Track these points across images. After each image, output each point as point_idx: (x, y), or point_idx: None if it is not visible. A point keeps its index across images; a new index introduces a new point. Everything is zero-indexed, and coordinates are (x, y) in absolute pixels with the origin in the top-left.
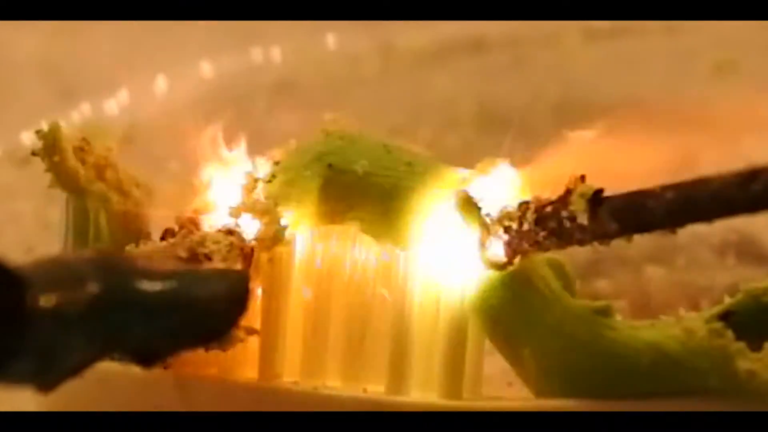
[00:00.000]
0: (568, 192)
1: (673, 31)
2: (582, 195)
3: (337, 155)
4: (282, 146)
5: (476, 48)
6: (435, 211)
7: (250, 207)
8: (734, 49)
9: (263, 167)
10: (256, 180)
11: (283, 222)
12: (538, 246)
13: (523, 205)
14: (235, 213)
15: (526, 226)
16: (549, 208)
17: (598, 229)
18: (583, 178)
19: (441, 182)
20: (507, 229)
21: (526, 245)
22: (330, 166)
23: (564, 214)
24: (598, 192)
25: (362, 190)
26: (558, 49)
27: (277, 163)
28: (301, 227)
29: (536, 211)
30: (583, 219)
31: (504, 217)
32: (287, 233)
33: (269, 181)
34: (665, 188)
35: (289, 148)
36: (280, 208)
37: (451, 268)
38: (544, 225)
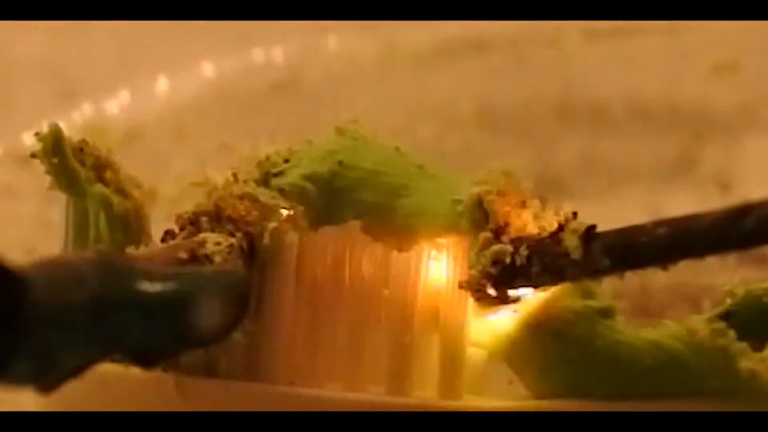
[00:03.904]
0: (561, 228)
1: (673, 31)
2: (574, 231)
3: (348, 153)
4: (290, 143)
5: (476, 48)
6: (439, 213)
7: (254, 196)
8: (734, 49)
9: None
10: (266, 173)
11: (284, 221)
12: (530, 282)
13: (516, 241)
14: (241, 191)
15: (518, 262)
16: (542, 244)
17: (590, 266)
18: (575, 214)
19: (451, 187)
20: (498, 265)
21: (518, 281)
22: (340, 163)
23: (557, 250)
24: (591, 228)
25: (370, 187)
26: (558, 49)
27: (286, 161)
28: (304, 227)
29: (529, 247)
30: (576, 255)
31: (496, 252)
32: (289, 234)
33: (277, 175)
34: (658, 224)
35: (300, 145)
36: (286, 202)
37: (452, 270)
38: (536, 261)
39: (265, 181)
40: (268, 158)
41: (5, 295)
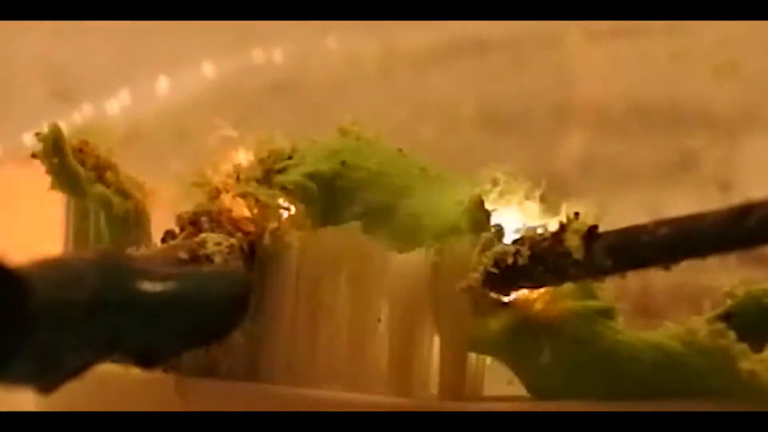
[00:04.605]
0: (563, 228)
1: (673, 31)
2: (576, 231)
3: (351, 153)
4: (291, 142)
5: (477, 48)
6: (441, 214)
7: (255, 192)
8: (734, 49)
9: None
10: (268, 170)
11: (284, 221)
12: (532, 282)
13: (518, 242)
14: (244, 189)
15: (520, 262)
16: (544, 245)
17: (592, 266)
18: (576, 214)
19: (453, 188)
20: (500, 265)
21: (520, 282)
22: (343, 163)
23: (558, 250)
24: (593, 228)
25: (373, 187)
26: (558, 50)
27: (290, 158)
28: (304, 227)
29: (531, 247)
30: (577, 255)
31: (498, 253)
32: (289, 234)
33: (281, 171)
34: (659, 224)
35: (304, 143)
36: (288, 198)
37: (453, 271)
38: (538, 261)
39: (267, 178)
40: (270, 156)
41: (5, 295)
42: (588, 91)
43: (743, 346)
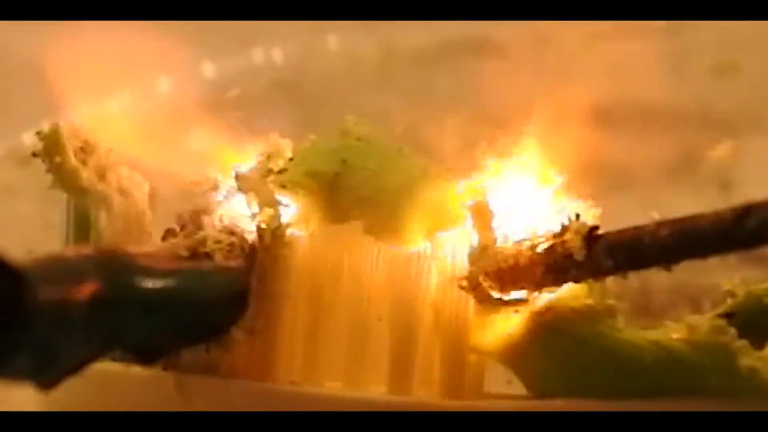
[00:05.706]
0: (564, 229)
1: (673, 31)
2: (577, 232)
3: (352, 153)
4: (292, 142)
5: (476, 48)
6: (443, 214)
7: (255, 187)
8: (734, 49)
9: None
10: (269, 170)
11: (284, 219)
12: (533, 283)
13: (519, 242)
14: (244, 188)
15: (521, 262)
16: (545, 245)
17: (593, 266)
18: (578, 215)
19: (453, 187)
20: (501, 265)
21: (521, 282)
22: (344, 162)
23: (559, 250)
24: (594, 229)
25: (373, 186)
26: (558, 50)
27: (291, 159)
28: (305, 225)
29: (532, 247)
30: (579, 256)
31: (499, 254)
32: (289, 232)
33: (281, 172)
34: (660, 225)
35: (304, 143)
36: (289, 197)
37: (453, 269)
38: (539, 262)
39: (267, 177)
40: (270, 156)
41: (5, 291)
42: (588, 91)
43: (744, 343)
